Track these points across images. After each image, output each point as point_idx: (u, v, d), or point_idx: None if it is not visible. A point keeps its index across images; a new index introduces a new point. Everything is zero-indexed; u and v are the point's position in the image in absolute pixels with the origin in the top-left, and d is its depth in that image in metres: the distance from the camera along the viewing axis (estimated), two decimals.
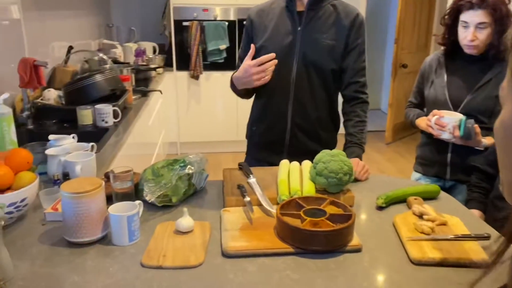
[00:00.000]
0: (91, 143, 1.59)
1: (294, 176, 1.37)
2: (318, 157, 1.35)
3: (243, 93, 1.72)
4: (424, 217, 1.20)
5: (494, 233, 1.15)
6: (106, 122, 2.18)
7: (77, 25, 3.43)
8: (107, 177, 1.34)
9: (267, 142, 1.75)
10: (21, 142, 1.68)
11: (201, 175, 1.38)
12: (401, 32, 4.69)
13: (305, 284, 0.96)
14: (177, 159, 1.34)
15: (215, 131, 4.58)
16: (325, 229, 1.07)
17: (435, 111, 1.77)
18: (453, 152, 1.85)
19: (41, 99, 2.33)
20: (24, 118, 2.11)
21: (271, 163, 1.68)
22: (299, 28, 1.63)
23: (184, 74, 4.41)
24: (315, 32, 1.62)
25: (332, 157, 1.31)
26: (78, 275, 0.97)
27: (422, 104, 2.01)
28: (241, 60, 1.65)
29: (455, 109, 1.80)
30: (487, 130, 1.71)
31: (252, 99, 1.80)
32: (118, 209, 1.11)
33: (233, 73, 1.68)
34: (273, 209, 1.22)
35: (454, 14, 1.79)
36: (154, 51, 4.40)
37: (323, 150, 1.37)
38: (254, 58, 1.59)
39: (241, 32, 1.80)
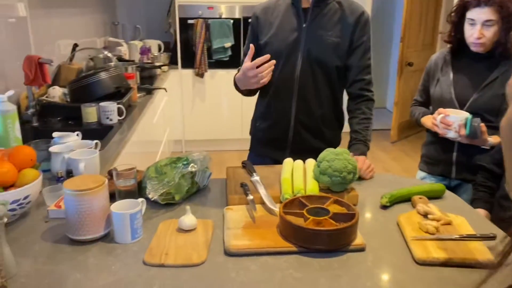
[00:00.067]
0: (95, 141, 1.59)
1: (298, 175, 1.36)
2: (322, 155, 1.34)
3: (247, 93, 1.72)
4: (429, 216, 1.19)
5: (500, 233, 1.14)
6: (111, 120, 2.18)
7: (82, 23, 3.44)
8: (110, 174, 1.34)
9: (271, 139, 1.75)
10: (26, 139, 1.69)
11: (204, 173, 1.37)
12: (407, 30, 4.65)
13: (308, 283, 0.95)
14: (180, 157, 1.34)
15: (220, 129, 4.58)
16: (328, 228, 1.06)
17: (440, 109, 1.76)
18: (459, 151, 1.83)
19: (46, 97, 2.34)
20: (29, 116, 2.11)
21: (274, 159, 1.68)
22: (304, 25, 1.62)
23: (189, 72, 4.42)
24: (320, 29, 1.61)
25: (336, 156, 1.30)
26: (80, 273, 0.97)
27: (428, 102, 2.00)
28: (246, 56, 1.65)
29: (461, 107, 1.79)
30: (494, 129, 1.69)
31: (256, 95, 1.80)
32: (120, 206, 1.11)
33: (236, 74, 1.68)
34: (276, 208, 1.21)
35: (461, 11, 1.77)
36: (159, 49, 4.41)
37: (327, 149, 1.36)
38: (260, 54, 1.59)
39: (246, 30, 1.79)
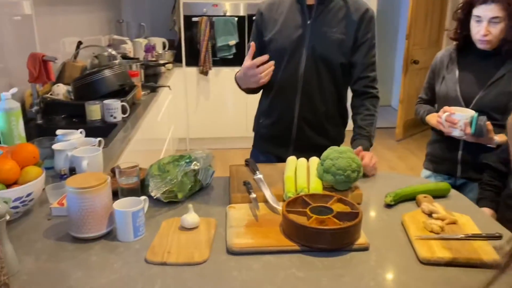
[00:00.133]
0: (99, 138, 1.59)
1: (301, 173, 1.35)
2: (325, 153, 1.33)
3: (249, 91, 1.72)
4: (434, 215, 1.18)
5: (506, 232, 1.13)
6: (115, 118, 2.18)
7: (87, 21, 3.44)
8: (113, 172, 1.34)
9: (274, 136, 1.75)
10: (30, 137, 1.69)
11: (207, 171, 1.37)
12: (412, 27, 4.62)
13: (310, 282, 0.94)
14: (183, 155, 1.33)
15: (225, 127, 4.58)
16: (331, 227, 1.05)
17: (446, 107, 1.74)
18: (464, 150, 1.81)
19: (50, 94, 2.35)
20: (33, 113, 2.12)
21: (277, 156, 1.68)
22: (308, 22, 1.61)
23: (193, 70, 4.41)
24: (325, 26, 1.60)
25: (340, 154, 1.29)
26: (83, 271, 0.97)
27: (433, 100, 1.98)
28: None
29: (467, 105, 1.77)
30: (500, 127, 1.67)
31: (260, 93, 1.79)
32: (123, 204, 1.10)
33: (237, 72, 1.67)
34: (279, 206, 1.20)
35: (467, 8, 1.75)
36: (164, 47, 4.41)
37: (331, 147, 1.35)
38: (264, 51, 1.59)
39: (251, 27, 1.78)
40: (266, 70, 1.52)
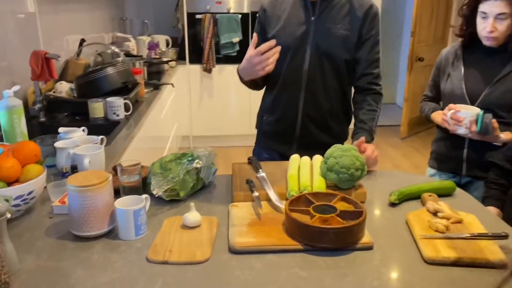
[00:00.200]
0: (101, 136, 1.58)
1: (304, 171, 1.34)
2: (329, 152, 1.32)
3: (252, 85, 1.70)
4: (439, 214, 1.17)
5: None
6: (117, 115, 2.18)
7: (91, 18, 3.44)
8: (115, 170, 1.33)
9: (277, 132, 1.74)
10: (33, 135, 1.69)
11: (210, 170, 1.36)
12: (417, 24, 4.59)
13: (313, 282, 0.93)
14: (186, 153, 1.32)
15: (228, 124, 4.57)
16: (335, 226, 1.04)
17: (451, 105, 1.72)
18: (470, 148, 1.79)
19: (53, 92, 2.34)
20: (36, 111, 2.12)
21: (280, 153, 1.66)
22: (312, 18, 1.60)
23: (196, 67, 4.40)
24: (329, 22, 1.59)
25: (343, 152, 1.28)
26: (84, 269, 0.96)
27: (438, 97, 1.96)
28: None
29: (472, 103, 1.75)
30: (506, 125, 1.65)
31: (263, 89, 1.78)
32: (124, 203, 1.10)
33: (239, 66, 1.65)
34: (282, 205, 1.19)
35: (473, 4, 1.73)
36: (167, 44, 4.40)
37: (335, 145, 1.33)
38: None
39: (255, 24, 1.76)
40: (272, 56, 1.47)
